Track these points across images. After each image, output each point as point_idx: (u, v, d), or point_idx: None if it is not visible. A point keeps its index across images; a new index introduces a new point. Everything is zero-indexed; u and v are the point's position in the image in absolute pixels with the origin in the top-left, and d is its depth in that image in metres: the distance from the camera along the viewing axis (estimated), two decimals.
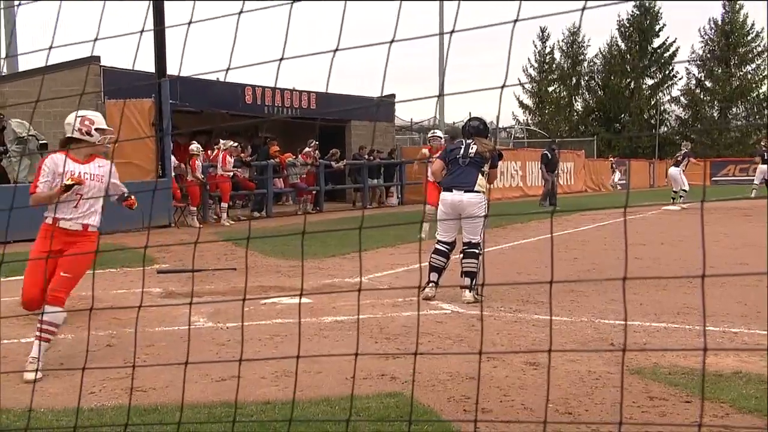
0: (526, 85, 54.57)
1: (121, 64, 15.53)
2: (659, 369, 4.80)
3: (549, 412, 3.93)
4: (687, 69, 53.19)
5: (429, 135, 13.33)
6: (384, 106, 24.27)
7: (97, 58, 15.74)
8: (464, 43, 58.23)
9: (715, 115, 52.78)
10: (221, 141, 17.07)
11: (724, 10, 52.42)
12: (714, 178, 40.26)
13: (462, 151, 7.47)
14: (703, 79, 53.45)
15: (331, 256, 10.55)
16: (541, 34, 54.83)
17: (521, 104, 55.63)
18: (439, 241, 7.47)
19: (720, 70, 52.85)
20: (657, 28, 53.43)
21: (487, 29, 2.47)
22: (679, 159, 20.64)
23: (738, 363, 4.93)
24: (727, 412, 4.02)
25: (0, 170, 13.69)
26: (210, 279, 8.82)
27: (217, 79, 18.80)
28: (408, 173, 24.15)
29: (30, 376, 4.73)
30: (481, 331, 5.69)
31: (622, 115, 53.80)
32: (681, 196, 20.04)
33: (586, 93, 56.02)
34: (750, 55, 52.20)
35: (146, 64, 16.14)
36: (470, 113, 11.78)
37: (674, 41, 53.39)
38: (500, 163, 8.23)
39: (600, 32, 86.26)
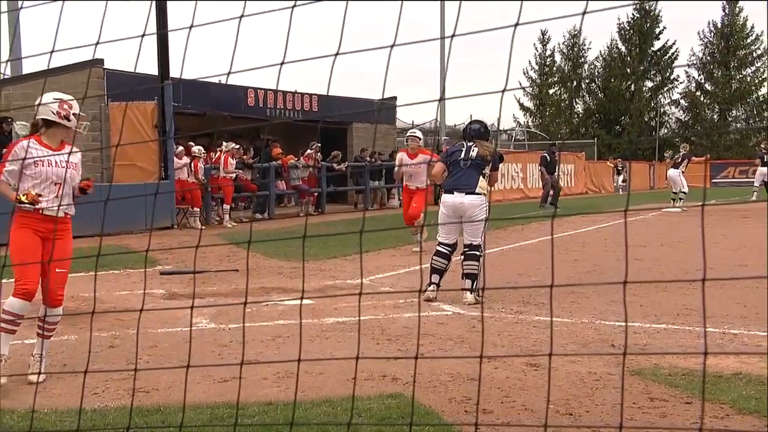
0: (527, 88, 54.45)
1: (124, 66, 15.53)
2: (659, 370, 4.81)
3: (550, 413, 3.95)
4: (686, 72, 53.36)
5: (407, 135, 12.74)
6: (385, 108, 24.30)
7: (101, 61, 15.74)
8: (469, 44, 58.34)
9: (715, 117, 52.80)
10: (223, 143, 17.11)
11: (723, 13, 52.56)
12: (714, 180, 40.21)
13: (463, 153, 7.52)
14: (703, 81, 53.47)
15: (332, 257, 10.58)
16: (542, 36, 55.04)
17: (522, 106, 55.78)
18: (440, 243, 7.50)
19: (720, 73, 52.86)
20: (657, 30, 53.51)
21: (489, 32, 2.49)
22: (678, 161, 20.65)
23: (738, 364, 4.94)
24: (727, 413, 4.04)
25: None
26: (212, 280, 8.85)
27: (219, 81, 18.89)
28: None
29: (33, 377, 4.77)
30: (482, 333, 5.71)
31: (623, 118, 53.83)
32: (681, 198, 20.06)
33: (587, 95, 56.09)
34: (750, 58, 52.22)
35: (149, 66, 16.19)
36: (471, 116, 11.70)
37: (674, 43, 53.62)
38: (501, 165, 8.26)
39: (600, 35, 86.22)
